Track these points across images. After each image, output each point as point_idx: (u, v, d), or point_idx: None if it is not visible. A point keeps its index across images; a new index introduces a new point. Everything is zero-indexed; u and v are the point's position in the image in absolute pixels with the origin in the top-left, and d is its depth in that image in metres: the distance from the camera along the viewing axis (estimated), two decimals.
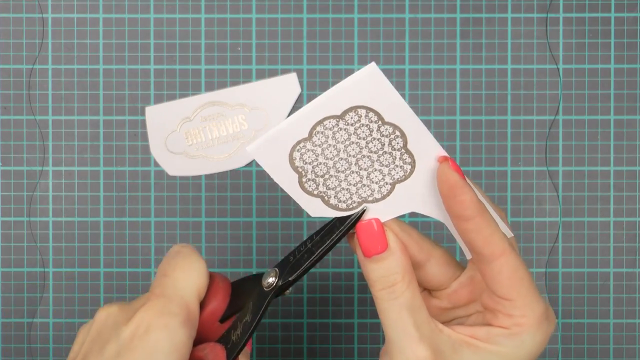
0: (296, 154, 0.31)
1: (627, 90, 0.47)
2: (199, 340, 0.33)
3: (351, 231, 0.32)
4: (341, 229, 0.32)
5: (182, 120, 0.47)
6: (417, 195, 0.32)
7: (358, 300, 0.47)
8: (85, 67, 0.47)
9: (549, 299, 0.47)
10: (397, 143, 0.31)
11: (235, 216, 0.47)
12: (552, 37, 0.47)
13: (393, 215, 0.32)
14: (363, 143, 0.31)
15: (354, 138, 0.31)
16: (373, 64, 0.29)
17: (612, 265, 0.47)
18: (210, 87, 0.47)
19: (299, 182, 0.31)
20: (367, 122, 0.30)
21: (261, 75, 0.47)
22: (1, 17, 0.47)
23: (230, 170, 0.47)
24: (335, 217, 0.32)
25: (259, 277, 0.34)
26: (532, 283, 0.30)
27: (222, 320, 0.33)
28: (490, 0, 0.47)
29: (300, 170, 0.31)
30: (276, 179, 0.31)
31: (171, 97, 0.47)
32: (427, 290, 0.34)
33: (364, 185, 0.32)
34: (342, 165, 0.31)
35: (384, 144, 0.31)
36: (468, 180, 0.31)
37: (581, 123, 0.47)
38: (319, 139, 0.31)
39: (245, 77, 0.47)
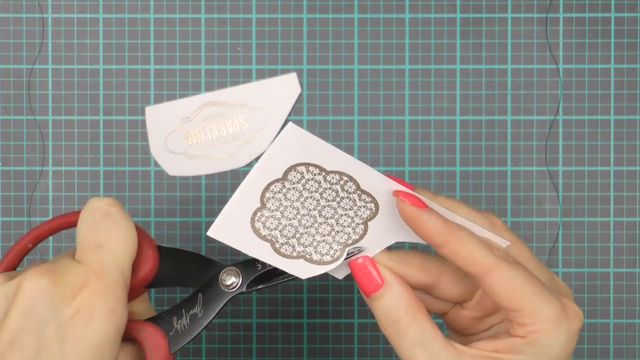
0: (258, 224, 0.31)
1: (627, 90, 0.47)
2: None
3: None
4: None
5: (182, 120, 0.47)
6: (392, 227, 0.31)
7: (358, 300, 0.47)
8: (85, 67, 0.47)
9: None
10: (350, 187, 0.31)
11: None
12: (552, 37, 0.47)
13: (379, 250, 0.32)
14: (317, 195, 0.31)
15: (306, 194, 0.30)
16: (290, 123, 0.29)
17: (612, 265, 0.47)
18: (210, 87, 0.47)
19: (273, 249, 0.31)
20: (312, 176, 0.30)
21: (261, 75, 0.47)
22: (1, 17, 0.47)
23: (230, 170, 0.47)
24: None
25: (188, 255, 0.33)
26: (537, 286, 0.29)
27: (149, 286, 0.33)
28: (490, 0, 0.47)
29: (270, 238, 0.31)
30: (250, 253, 0.31)
31: (171, 97, 0.47)
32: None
33: (338, 232, 0.31)
34: (307, 221, 0.31)
35: (338, 191, 0.31)
36: (434, 204, 0.30)
37: (581, 123, 0.47)
38: (272, 204, 0.30)
39: (245, 77, 0.47)
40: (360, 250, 0.31)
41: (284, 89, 0.47)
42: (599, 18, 0.47)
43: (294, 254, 0.31)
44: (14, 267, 0.34)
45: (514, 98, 0.47)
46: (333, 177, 0.30)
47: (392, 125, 0.47)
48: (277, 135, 0.30)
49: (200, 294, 0.32)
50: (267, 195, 0.30)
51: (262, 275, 0.32)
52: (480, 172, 0.47)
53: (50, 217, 0.47)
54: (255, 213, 0.30)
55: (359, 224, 0.31)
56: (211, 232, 0.30)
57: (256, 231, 0.31)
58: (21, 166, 0.47)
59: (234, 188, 0.47)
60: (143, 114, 0.47)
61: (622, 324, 0.47)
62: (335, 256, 0.32)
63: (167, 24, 0.47)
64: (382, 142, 0.47)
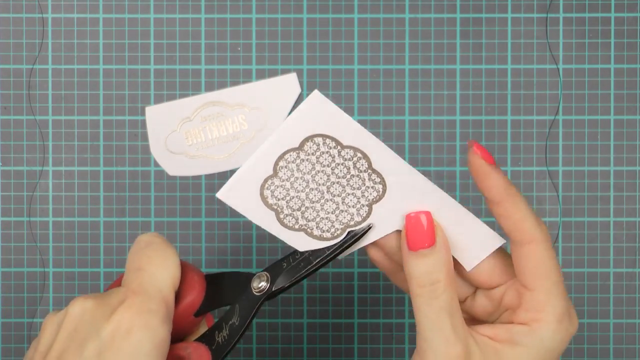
0: (267, 192, 0.31)
1: (627, 90, 0.47)
2: (172, 333, 0.32)
3: (361, 246, 0.32)
4: (343, 240, 0.32)
5: (182, 120, 0.47)
6: (396, 212, 0.32)
7: (358, 300, 0.47)
8: (85, 67, 0.47)
9: None
10: (362, 165, 0.31)
11: (235, 216, 0.47)
12: (552, 37, 0.47)
13: (380, 236, 0.32)
14: (329, 170, 0.31)
15: (318, 167, 0.31)
16: (316, 91, 0.29)
17: (612, 265, 0.47)
18: (210, 87, 0.47)
19: (277, 219, 0.31)
20: (327, 149, 0.30)
21: (261, 75, 0.47)
22: (1, 17, 0.47)
23: (230, 170, 0.47)
24: (360, 230, 0.32)
25: (236, 275, 0.33)
26: (559, 280, 0.30)
27: (197, 314, 0.33)
28: (490, 0, 0.47)
29: (276, 207, 0.31)
30: (254, 220, 0.31)
31: (171, 97, 0.47)
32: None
33: (342, 211, 0.31)
34: (315, 196, 0.31)
35: (349, 168, 0.31)
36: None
37: (581, 123, 0.47)
38: (284, 173, 0.31)
39: (245, 77, 0.47)
40: (370, 228, 0.32)
41: (284, 89, 0.47)
42: (599, 18, 0.47)
43: (296, 227, 0.32)
44: None
45: (514, 98, 0.47)
46: (347, 153, 0.31)
47: (392, 125, 0.47)
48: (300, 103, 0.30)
49: (237, 304, 0.33)
50: (281, 163, 0.31)
51: (288, 272, 0.32)
52: None
53: (50, 217, 0.47)
54: (266, 180, 0.31)
55: (363, 206, 0.31)
56: (220, 194, 0.31)
57: (264, 199, 0.31)
58: (21, 166, 0.47)
59: None
60: (143, 114, 0.47)
61: (622, 324, 0.47)
62: (336, 234, 0.32)
63: (167, 24, 0.47)
64: None
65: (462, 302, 0.34)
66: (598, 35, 0.47)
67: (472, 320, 0.34)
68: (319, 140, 0.30)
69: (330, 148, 0.30)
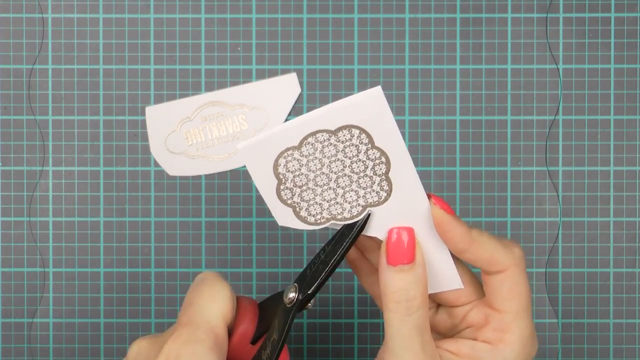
0: (282, 161, 0.31)
1: (627, 90, 0.47)
2: None
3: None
4: (350, 236, 0.32)
5: (182, 120, 0.47)
6: (386, 222, 0.32)
7: (358, 300, 0.47)
8: (85, 67, 0.47)
9: (549, 299, 0.47)
10: (380, 169, 0.31)
11: (235, 216, 0.47)
12: (552, 37, 0.47)
13: (365, 234, 0.32)
14: (348, 162, 0.31)
15: (340, 155, 0.31)
16: (379, 87, 0.29)
17: (612, 265, 0.47)
18: (210, 87, 0.47)
19: (276, 188, 0.31)
20: (357, 143, 0.30)
21: (261, 75, 0.47)
22: (1, 17, 0.47)
23: (230, 170, 0.47)
24: (344, 225, 0.32)
25: (281, 295, 0.33)
26: (529, 303, 0.31)
27: (254, 341, 0.33)
28: (490, 0, 0.47)
29: (282, 177, 0.31)
30: (256, 181, 0.31)
31: (171, 97, 0.47)
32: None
33: (337, 203, 0.32)
34: (321, 180, 0.31)
35: (367, 167, 0.31)
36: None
37: (581, 123, 0.47)
38: (307, 149, 0.31)
39: (245, 77, 0.47)
40: (369, 215, 0.32)
41: (284, 89, 0.47)
42: (599, 18, 0.47)
43: (289, 202, 0.32)
44: None
45: (514, 98, 0.47)
46: (374, 153, 0.30)
47: None
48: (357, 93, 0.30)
49: (276, 320, 0.33)
50: (309, 139, 0.30)
51: (310, 279, 0.33)
52: (480, 172, 0.47)
53: (50, 217, 0.47)
54: (286, 150, 0.31)
55: (359, 205, 0.31)
56: (241, 146, 0.30)
57: (275, 166, 0.31)
58: (21, 166, 0.47)
59: (234, 188, 0.47)
60: (143, 114, 0.47)
61: (622, 324, 0.47)
62: (319, 222, 0.32)
63: (167, 24, 0.47)
64: None
65: None
66: (598, 35, 0.47)
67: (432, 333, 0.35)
68: (356, 132, 0.30)
69: (361, 143, 0.30)
